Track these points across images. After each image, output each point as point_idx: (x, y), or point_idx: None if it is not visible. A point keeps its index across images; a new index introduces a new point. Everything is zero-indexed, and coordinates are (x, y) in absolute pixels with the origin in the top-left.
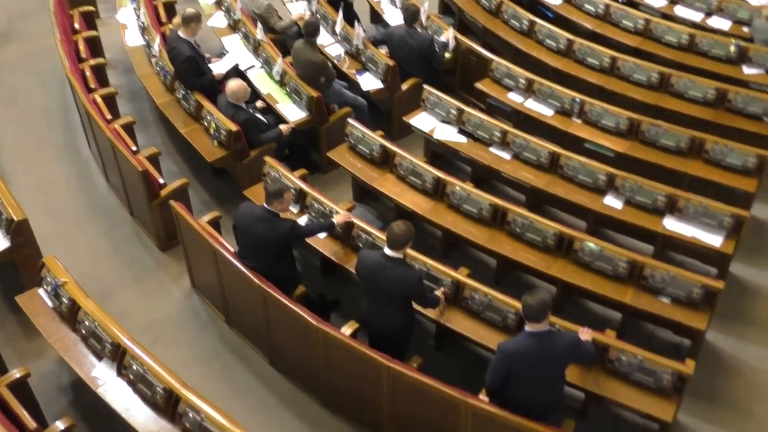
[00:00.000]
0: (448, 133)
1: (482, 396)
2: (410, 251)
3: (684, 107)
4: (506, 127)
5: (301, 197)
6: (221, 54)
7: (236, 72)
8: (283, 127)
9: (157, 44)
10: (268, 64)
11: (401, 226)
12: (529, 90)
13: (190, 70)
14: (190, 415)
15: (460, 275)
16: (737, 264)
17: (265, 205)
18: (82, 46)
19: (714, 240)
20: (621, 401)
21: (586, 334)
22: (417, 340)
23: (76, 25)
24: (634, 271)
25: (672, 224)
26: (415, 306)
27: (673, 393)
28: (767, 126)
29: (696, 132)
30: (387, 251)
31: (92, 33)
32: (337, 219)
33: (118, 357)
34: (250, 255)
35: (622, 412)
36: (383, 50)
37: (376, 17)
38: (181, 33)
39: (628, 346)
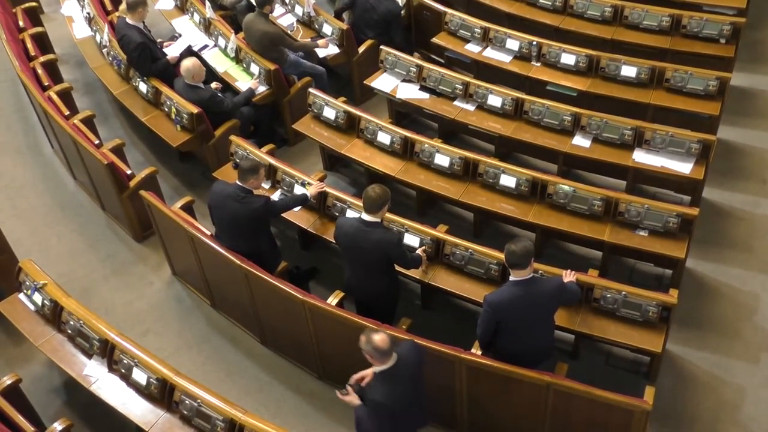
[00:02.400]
0: (410, 92)
1: (475, 350)
2: (387, 214)
3: (640, 38)
4: (467, 79)
5: (271, 173)
6: (173, 37)
7: (190, 53)
8: (252, 83)
9: (106, 34)
10: (221, 42)
11: (377, 189)
12: (485, 39)
13: (143, 56)
14: (187, 402)
15: (439, 232)
16: (709, 189)
17: (238, 182)
18: (29, 44)
19: (684, 167)
20: (610, 338)
21: (569, 276)
22: (404, 301)
23: (21, 23)
24: (610, 207)
25: (641, 157)
26: (399, 268)
27: (660, 324)
28: (724, 47)
29: (655, 61)
30: (364, 216)
31: (38, 29)
32: (310, 191)
33: (108, 353)
34: (226, 234)
35: (613, 349)
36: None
37: None
38: (128, 19)
39: (612, 283)
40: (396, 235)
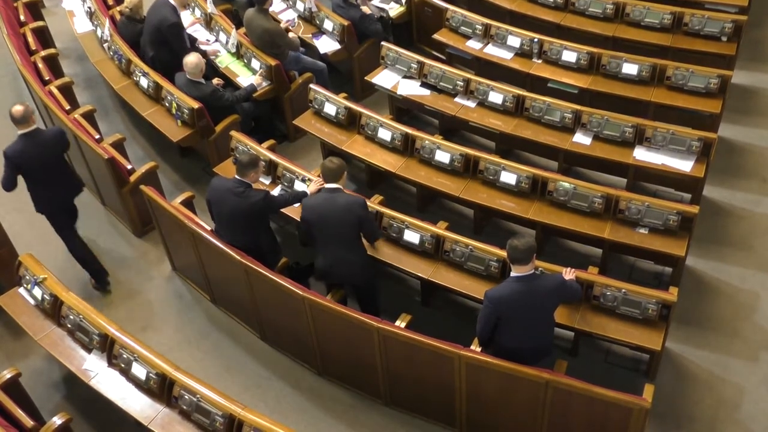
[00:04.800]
0: (411, 88)
1: (474, 347)
2: (387, 210)
3: (642, 35)
4: (469, 76)
5: (272, 168)
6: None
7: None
8: (256, 78)
9: (107, 29)
10: (222, 37)
11: (334, 160)
12: (486, 35)
13: (178, 34)
14: (186, 397)
15: (440, 229)
16: (710, 187)
17: (237, 176)
18: (30, 38)
19: (684, 165)
20: (610, 336)
21: (569, 273)
22: (403, 297)
23: (22, 17)
24: (610, 205)
25: (642, 154)
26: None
27: (659, 322)
28: (726, 45)
29: (656, 59)
30: (327, 185)
31: (39, 23)
32: (310, 188)
33: (107, 347)
34: (226, 229)
35: (612, 346)
36: None
37: None
38: None
39: (612, 280)
40: (361, 197)
